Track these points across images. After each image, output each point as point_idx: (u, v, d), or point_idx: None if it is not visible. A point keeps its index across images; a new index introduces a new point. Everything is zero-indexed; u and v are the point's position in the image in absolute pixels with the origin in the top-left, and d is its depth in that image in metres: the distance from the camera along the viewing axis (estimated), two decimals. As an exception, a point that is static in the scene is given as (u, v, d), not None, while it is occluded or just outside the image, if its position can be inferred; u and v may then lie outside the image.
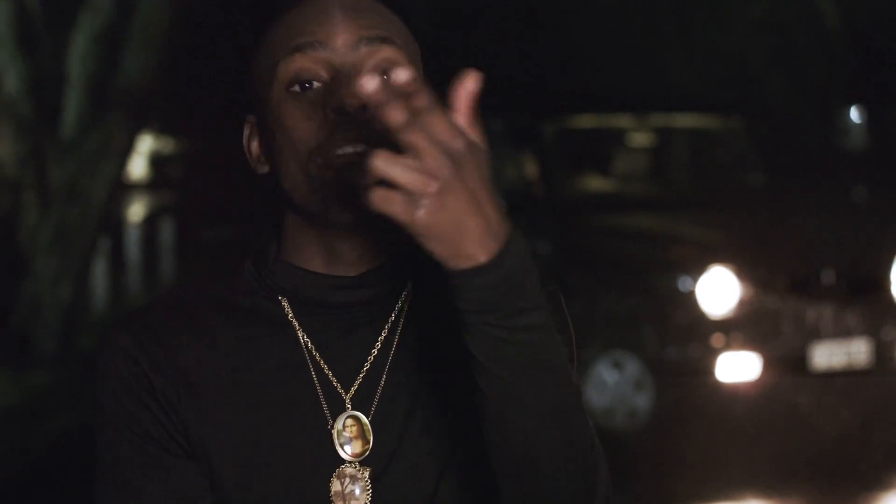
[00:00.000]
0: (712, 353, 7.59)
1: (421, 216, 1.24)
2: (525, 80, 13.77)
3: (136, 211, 17.15)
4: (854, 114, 15.35)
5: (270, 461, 1.50)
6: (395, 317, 1.56)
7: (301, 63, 1.49)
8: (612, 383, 7.92)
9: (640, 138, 9.63)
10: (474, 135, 1.27)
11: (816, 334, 7.67)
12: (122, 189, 14.61)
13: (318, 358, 1.53)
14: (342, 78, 1.48)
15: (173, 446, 1.50)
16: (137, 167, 19.96)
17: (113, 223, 13.66)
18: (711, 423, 7.66)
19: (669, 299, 7.80)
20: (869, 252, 8.11)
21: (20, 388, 9.39)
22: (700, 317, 7.66)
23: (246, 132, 1.58)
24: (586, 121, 9.49)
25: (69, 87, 10.47)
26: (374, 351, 1.54)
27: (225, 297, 1.57)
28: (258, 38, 1.55)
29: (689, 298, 7.71)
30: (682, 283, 7.78)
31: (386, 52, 1.50)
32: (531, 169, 8.93)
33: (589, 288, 8.12)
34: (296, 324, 1.54)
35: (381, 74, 1.48)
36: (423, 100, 1.24)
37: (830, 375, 7.75)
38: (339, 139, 1.45)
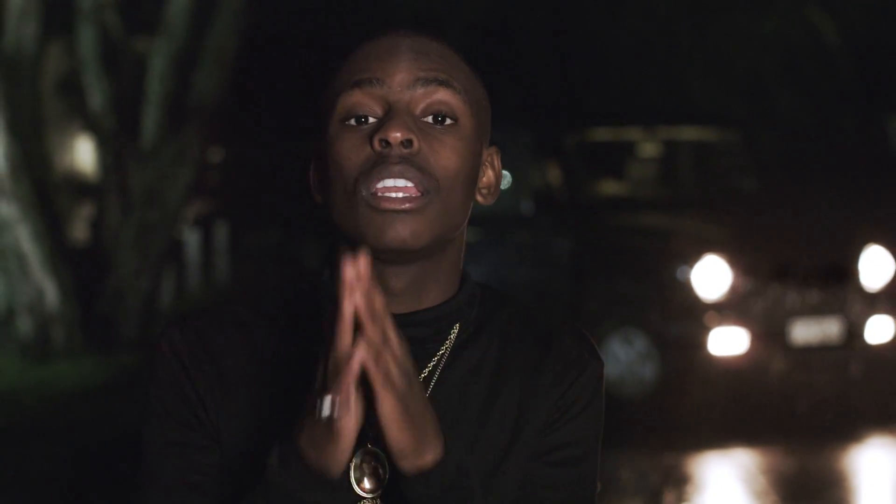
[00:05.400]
0: (706, 330, 7.87)
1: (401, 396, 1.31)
2: (550, 98, 14.41)
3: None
4: (856, 122, 14.88)
5: None
6: (437, 360, 1.51)
7: (358, 98, 1.46)
8: (623, 356, 8.17)
9: (650, 149, 9.82)
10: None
11: (795, 314, 7.94)
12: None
13: None
14: (392, 113, 1.44)
15: (205, 436, 1.52)
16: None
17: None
18: (706, 389, 7.89)
19: (671, 284, 8.10)
20: (841, 243, 8.36)
21: (108, 367, 9.73)
22: (696, 299, 7.95)
23: (310, 160, 1.55)
24: (603, 134, 9.74)
25: (148, 103, 10.80)
26: None
27: (273, 311, 1.55)
28: (331, 74, 1.52)
29: (687, 283, 8.00)
30: (681, 271, 8.06)
31: (441, 95, 1.46)
32: (555, 175, 9.12)
33: (604, 276, 8.50)
34: None
35: (433, 115, 1.47)
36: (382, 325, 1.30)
37: (807, 349, 8.01)
38: (382, 170, 1.42)
